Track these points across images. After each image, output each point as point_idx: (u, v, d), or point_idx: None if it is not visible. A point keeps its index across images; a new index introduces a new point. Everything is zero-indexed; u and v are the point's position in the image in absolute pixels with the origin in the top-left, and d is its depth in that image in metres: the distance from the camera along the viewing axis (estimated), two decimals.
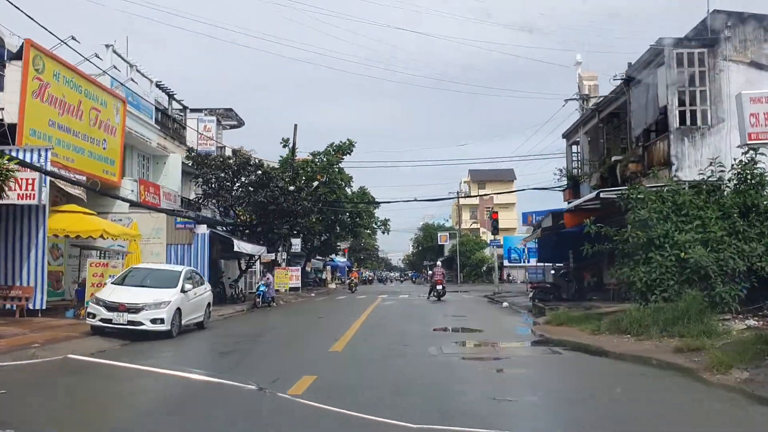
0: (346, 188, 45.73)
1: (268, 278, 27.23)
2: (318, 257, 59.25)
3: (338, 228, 47.16)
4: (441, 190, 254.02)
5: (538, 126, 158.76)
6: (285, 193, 28.51)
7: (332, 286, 54.97)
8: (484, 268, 68.00)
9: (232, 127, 41.95)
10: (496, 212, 31.37)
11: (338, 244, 50.42)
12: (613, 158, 20.92)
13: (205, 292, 16.51)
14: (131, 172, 26.57)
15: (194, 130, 33.59)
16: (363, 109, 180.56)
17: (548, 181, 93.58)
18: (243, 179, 28.84)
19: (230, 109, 39.05)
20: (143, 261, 23.06)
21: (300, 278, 42.11)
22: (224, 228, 30.02)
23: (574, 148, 27.79)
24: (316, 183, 41.81)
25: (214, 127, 35.45)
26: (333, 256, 62.17)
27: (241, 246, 24.85)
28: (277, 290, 31.60)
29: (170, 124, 31.56)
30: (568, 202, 27.28)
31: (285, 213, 29.13)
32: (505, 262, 69.39)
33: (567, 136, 28.16)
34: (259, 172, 28.46)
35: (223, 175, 28.29)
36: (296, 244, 42.59)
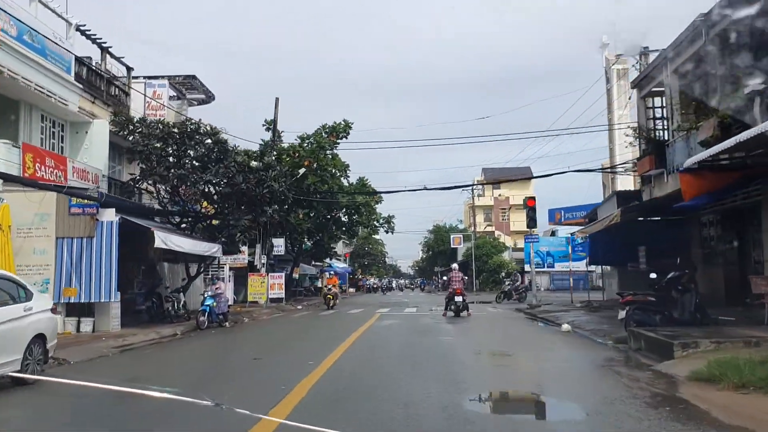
0: (342, 179, 37.77)
1: (217, 288, 19.37)
2: (315, 263, 51.46)
3: (333, 227, 39.20)
4: (451, 194, 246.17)
5: (565, 111, 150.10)
6: (244, 170, 20.68)
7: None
8: (503, 273, 59.92)
9: (201, 102, 34.09)
10: (533, 198, 23.43)
11: (332, 246, 42.30)
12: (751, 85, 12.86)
13: (28, 315, 8.69)
14: (27, 137, 18.95)
15: (141, 93, 25.92)
16: (371, 114, 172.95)
17: (569, 184, 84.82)
18: (191, 153, 20.99)
19: (193, 77, 31.24)
20: (16, 262, 15.36)
21: (284, 287, 34.28)
22: (170, 220, 22.23)
23: (649, 102, 19.80)
24: (302, 170, 34.14)
25: (166, 93, 27.70)
26: (330, 261, 54.22)
27: (170, 241, 16.96)
28: (246, 302, 23.93)
29: (102, 85, 23.85)
30: (642, 178, 19.25)
31: (246, 199, 21.35)
32: (526, 267, 61.44)
33: (639, 85, 20.10)
34: (209, 141, 20.63)
35: (160, 145, 20.49)
36: (279, 245, 34.76)
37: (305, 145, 36.24)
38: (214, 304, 18.79)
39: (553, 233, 65.76)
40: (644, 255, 20.24)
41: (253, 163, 21.19)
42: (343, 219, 39.43)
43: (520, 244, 70.56)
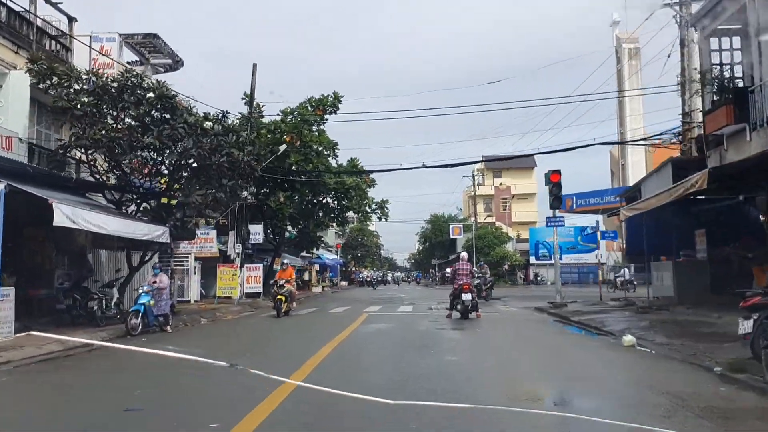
0: (330, 159, 33.29)
1: (155, 282, 14.95)
2: (304, 254, 47.14)
3: (320, 212, 34.74)
4: (450, 185, 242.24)
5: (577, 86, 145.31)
6: (196, 133, 16.21)
7: (318, 289, 42.53)
8: (506, 266, 55.63)
9: (168, 69, 29.51)
10: (557, 172, 18.96)
11: (319, 234, 37.77)
12: None
13: None
14: None
15: (86, 45, 21.52)
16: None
17: (572, 172, 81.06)
18: (132, 112, 16.46)
19: (154, 35, 26.64)
20: None
21: (262, 280, 29.92)
22: (107, 196, 17.84)
23: (714, 43, 15.37)
24: (283, 147, 29.75)
25: (117, 49, 23.21)
26: (318, 251, 49.80)
27: (82, 218, 12.46)
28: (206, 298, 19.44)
29: (32, 33, 19.38)
30: (706, 141, 14.86)
31: (201, 169, 16.94)
32: (532, 260, 57.20)
33: (701, 22, 15.60)
34: (151, 95, 16.13)
35: (89, 100, 16.02)
36: (256, 232, 30.40)
37: (289, 119, 31.83)
38: (151, 302, 14.39)
39: None
40: (703, 241, 15.95)
41: (207, 124, 16.67)
42: (331, 204, 34.98)
43: (524, 234, 66.35)
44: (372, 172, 32.15)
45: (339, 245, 59.50)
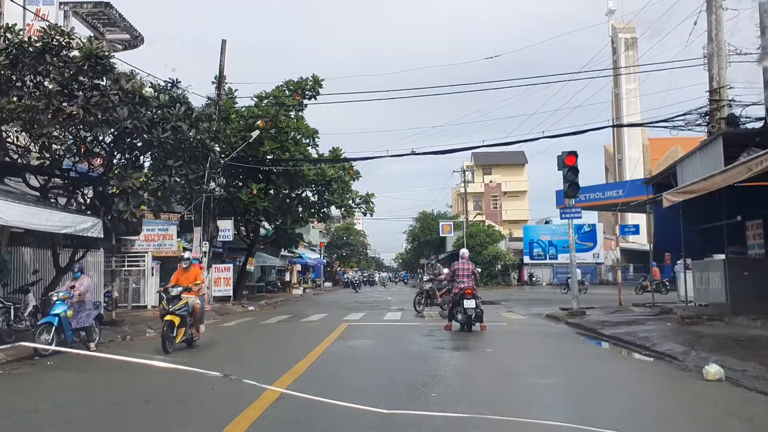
0: (310, 148, 30.05)
1: (75, 288, 11.71)
2: (286, 252, 43.90)
3: (299, 207, 31.47)
4: (438, 184, 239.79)
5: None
6: (133, 101, 12.96)
7: (298, 291, 39.21)
8: (499, 266, 52.65)
9: (126, 47, 26.21)
10: (573, 153, 15.92)
11: (296, 230, 34.33)
12: None
13: None
14: None
15: (20, 5, 18.25)
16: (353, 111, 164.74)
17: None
18: (55, 76, 13.18)
19: (107, 5, 23.31)
20: None
21: (232, 281, 26.77)
22: (28, 180, 14.57)
23: None
24: (255, 132, 26.60)
25: (55, 14, 19.96)
26: (299, 250, 46.50)
27: None
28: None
29: None
30: None
31: (140, 146, 13.73)
32: (526, 259, 54.24)
33: None
34: (76, 54, 12.89)
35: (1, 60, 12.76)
36: (226, 229, 27.21)
37: (264, 104, 28.61)
38: (68, 313, 11.17)
39: (546, 222, 58.53)
40: (759, 235, 12.97)
41: (148, 90, 13.45)
42: (312, 198, 31.75)
43: (516, 233, 63.43)
44: (355, 159, 28.96)
45: (322, 244, 56.21)
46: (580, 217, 18.35)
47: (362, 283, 56.38)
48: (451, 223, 57.66)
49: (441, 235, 57.86)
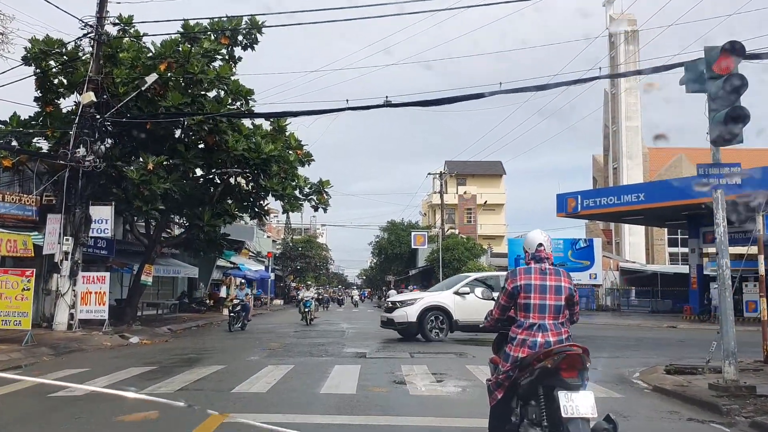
0: (242, 108, 20.97)
1: None
2: (229, 262, 34.78)
3: (226, 196, 22.50)
4: (405, 196, 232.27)
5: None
6: None
7: (225, 312, 29.83)
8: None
9: None
10: (736, 49, 7.58)
11: (217, 227, 24.27)
12: None
13: None
14: None
15: None
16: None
17: (546, 186, 71.55)
18: None
19: None
20: None
21: (107, 298, 17.83)
22: None
23: None
24: (152, 76, 18.03)
25: None
26: (240, 260, 37.37)
27: None
28: None
29: None
30: None
31: None
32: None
33: None
34: None
35: None
36: (102, 219, 18.25)
37: (177, 46, 19.68)
38: None
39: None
40: None
41: None
42: (243, 186, 22.86)
43: (497, 249, 55.51)
44: (300, 114, 20.11)
45: (270, 254, 47.01)
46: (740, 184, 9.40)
47: (329, 301, 48.01)
48: (425, 233, 49.17)
49: (413, 247, 49.30)
